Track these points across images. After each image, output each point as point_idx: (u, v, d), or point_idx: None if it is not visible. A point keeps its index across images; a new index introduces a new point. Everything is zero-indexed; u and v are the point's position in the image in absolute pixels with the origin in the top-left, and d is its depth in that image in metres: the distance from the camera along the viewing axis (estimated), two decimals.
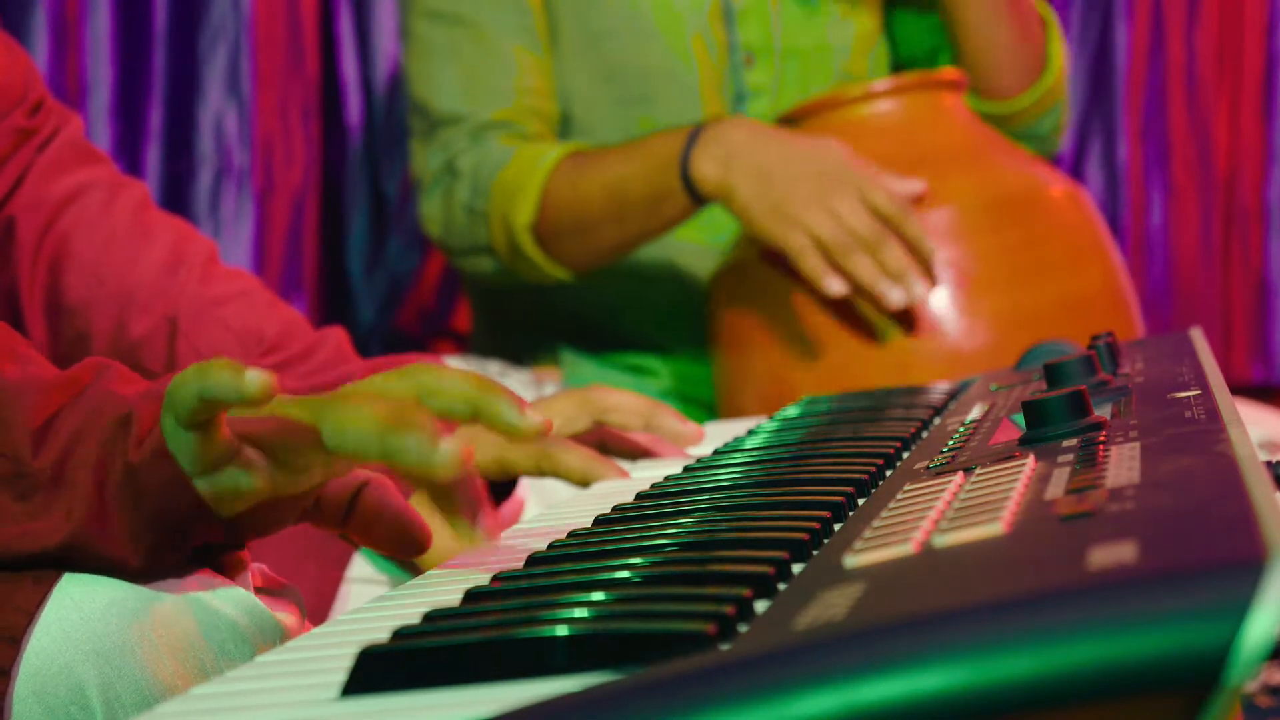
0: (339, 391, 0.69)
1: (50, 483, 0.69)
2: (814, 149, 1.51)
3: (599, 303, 1.80)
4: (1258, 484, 0.48)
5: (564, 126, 1.78)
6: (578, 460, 1.05)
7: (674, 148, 1.54)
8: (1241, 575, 0.39)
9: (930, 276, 1.49)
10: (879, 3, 1.87)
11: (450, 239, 1.73)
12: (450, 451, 0.65)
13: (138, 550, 0.69)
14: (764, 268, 1.57)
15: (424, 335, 2.47)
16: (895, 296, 1.47)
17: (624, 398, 1.13)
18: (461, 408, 0.69)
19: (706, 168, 1.52)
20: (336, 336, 1.23)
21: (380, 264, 2.43)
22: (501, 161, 1.67)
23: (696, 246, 1.78)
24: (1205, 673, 0.38)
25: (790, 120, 1.62)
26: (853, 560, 0.54)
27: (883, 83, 1.60)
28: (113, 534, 0.69)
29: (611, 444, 1.14)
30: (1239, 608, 0.38)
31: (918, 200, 1.52)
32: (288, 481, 0.70)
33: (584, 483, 1.04)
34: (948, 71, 1.64)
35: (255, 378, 0.64)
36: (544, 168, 1.64)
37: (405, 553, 0.80)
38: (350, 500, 0.78)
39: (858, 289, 1.49)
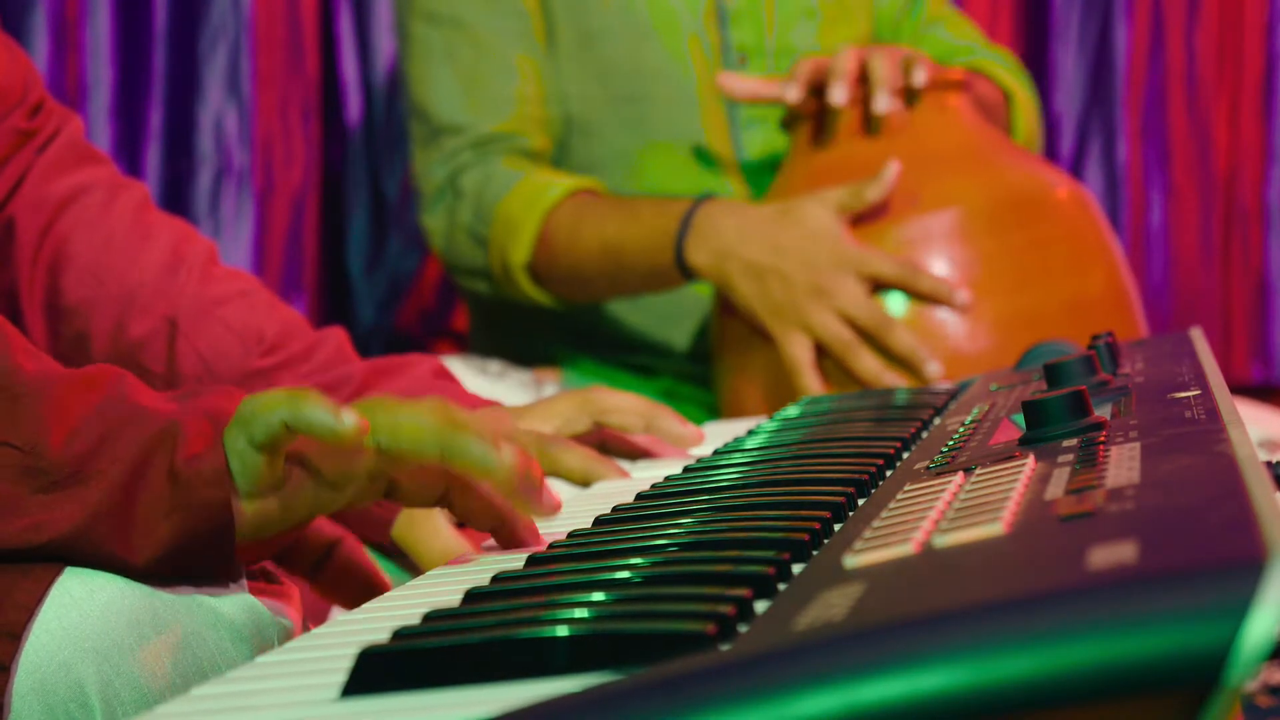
0: (378, 401, 0.70)
1: (70, 478, 0.69)
2: (804, 237, 1.50)
3: (598, 305, 1.80)
4: (1258, 484, 0.48)
5: (563, 127, 1.78)
6: (578, 460, 1.05)
7: (669, 230, 1.55)
8: (1241, 575, 0.39)
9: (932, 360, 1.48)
10: (872, 11, 1.87)
11: (451, 257, 1.75)
12: (509, 457, 0.69)
13: (148, 555, 0.69)
14: None
15: (424, 335, 2.47)
16: (892, 382, 1.46)
17: (624, 399, 1.13)
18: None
19: (700, 260, 1.53)
20: (336, 336, 1.23)
21: (380, 264, 2.43)
22: (504, 190, 1.68)
23: None
24: (1205, 673, 0.38)
25: (792, 120, 1.62)
26: (853, 560, 0.54)
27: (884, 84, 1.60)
28: (130, 535, 0.69)
29: (611, 445, 1.14)
30: (1239, 608, 0.38)
31: (908, 199, 1.51)
32: (330, 499, 0.71)
33: (584, 483, 1.04)
34: (953, 72, 1.64)
35: (351, 421, 0.66)
36: (542, 208, 1.65)
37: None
38: (324, 553, 0.78)
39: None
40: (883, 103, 1.52)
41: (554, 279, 1.67)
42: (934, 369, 1.46)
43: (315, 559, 0.78)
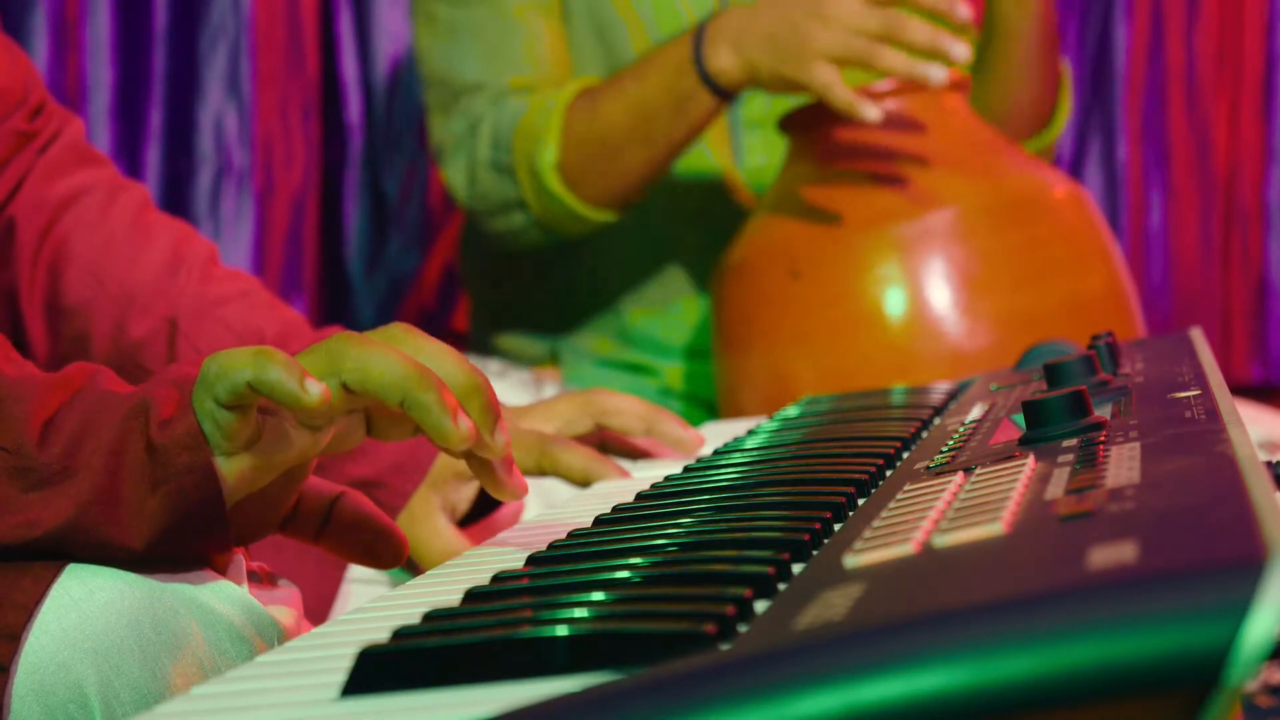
0: (349, 336, 0.70)
1: (58, 474, 0.69)
2: None
3: (598, 303, 1.80)
4: (1257, 484, 0.48)
5: None
6: (578, 459, 1.04)
7: (684, 53, 1.56)
8: (1241, 575, 0.39)
9: (958, 31, 1.48)
10: None
11: (478, 200, 1.72)
12: (465, 424, 0.68)
13: (144, 535, 0.69)
14: (764, 267, 1.57)
15: None
16: (936, 74, 1.47)
17: (625, 401, 1.13)
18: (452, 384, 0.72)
19: (723, 60, 1.54)
20: None
21: (380, 264, 2.43)
22: (519, 112, 1.67)
23: (696, 246, 1.78)
24: (1205, 673, 0.38)
25: (792, 120, 1.62)
26: (853, 560, 0.54)
27: (885, 83, 1.60)
28: (121, 517, 0.69)
29: (612, 447, 1.14)
30: (1239, 608, 0.38)
31: (908, 197, 1.51)
32: (312, 442, 0.71)
33: (585, 482, 1.04)
34: (951, 72, 1.64)
35: (315, 391, 0.66)
36: (560, 105, 1.64)
37: (381, 563, 0.80)
38: (326, 510, 0.78)
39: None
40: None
41: (586, 169, 1.64)
42: (960, 51, 1.46)
43: (319, 519, 0.78)
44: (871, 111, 1.47)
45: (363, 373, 0.69)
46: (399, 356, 0.69)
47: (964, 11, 1.49)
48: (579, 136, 1.63)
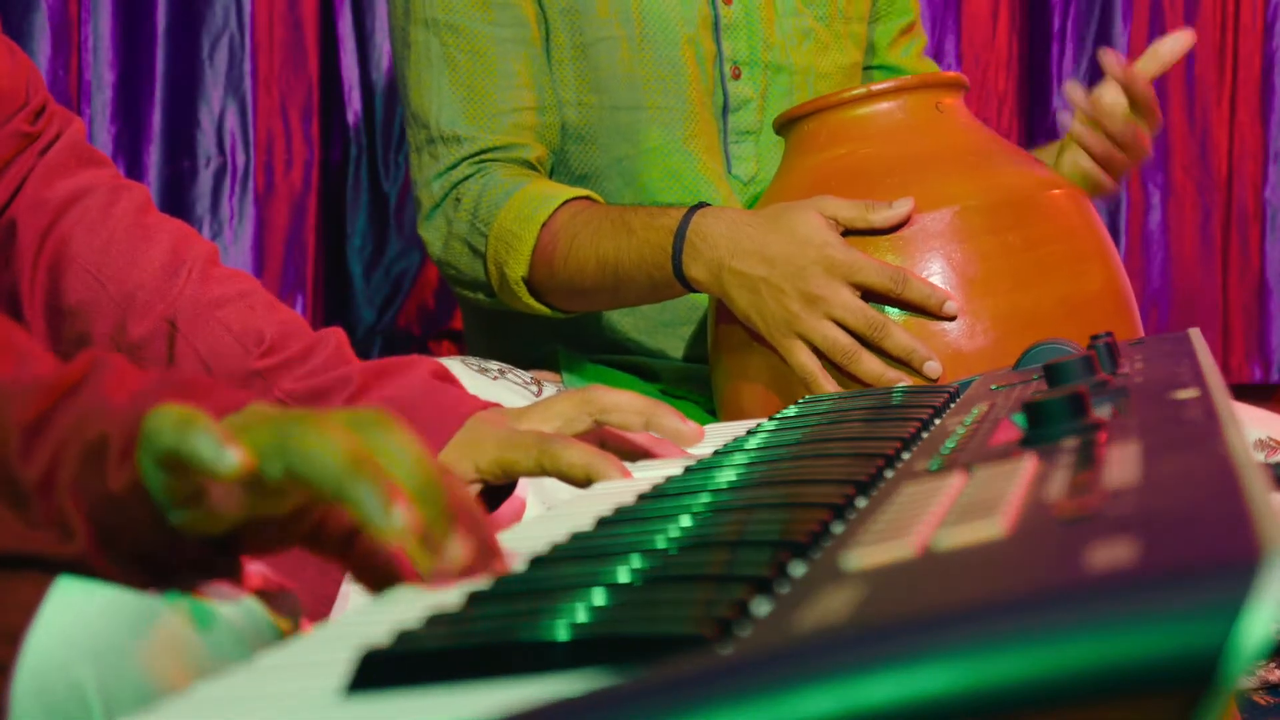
0: (303, 417, 0.69)
1: (39, 491, 0.69)
2: (789, 245, 1.49)
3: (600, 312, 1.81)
4: (1255, 485, 0.48)
5: (560, 135, 1.78)
6: (579, 456, 1.04)
7: (663, 246, 1.54)
8: (1237, 575, 0.39)
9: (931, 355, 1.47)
10: (864, 41, 1.89)
11: (449, 268, 1.75)
12: (400, 519, 0.65)
13: (130, 573, 0.69)
14: None
15: (424, 335, 2.47)
16: (902, 384, 1.45)
17: (624, 398, 1.13)
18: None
19: (698, 273, 1.53)
20: (335, 338, 1.23)
21: (380, 264, 2.43)
22: (500, 202, 1.67)
23: None
24: (1201, 672, 0.38)
25: (791, 121, 1.62)
26: (853, 561, 0.54)
27: (883, 84, 1.60)
28: (102, 560, 0.69)
29: (611, 444, 1.14)
30: (1234, 607, 0.38)
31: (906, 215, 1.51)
32: (263, 504, 0.70)
33: (586, 479, 1.04)
34: (947, 73, 1.64)
35: (230, 461, 0.65)
36: (538, 222, 1.64)
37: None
38: (349, 535, 0.78)
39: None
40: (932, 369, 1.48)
41: (553, 292, 1.66)
42: (933, 367, 1.46)
43: (341, 540, 0.78)
44: (828, 388, 1.47)
45: (303, 459, 0.66)
46: (341, 447, 0.66)
47: (952, 308, 1.47)
48: (551, 265, 1.64)
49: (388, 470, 0.68)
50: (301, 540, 0.76)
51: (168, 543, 0.69)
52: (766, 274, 1.49)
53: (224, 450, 0.65)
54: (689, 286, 1.55)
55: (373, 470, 0.66)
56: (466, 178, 1.71)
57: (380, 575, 0.77)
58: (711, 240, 1.52)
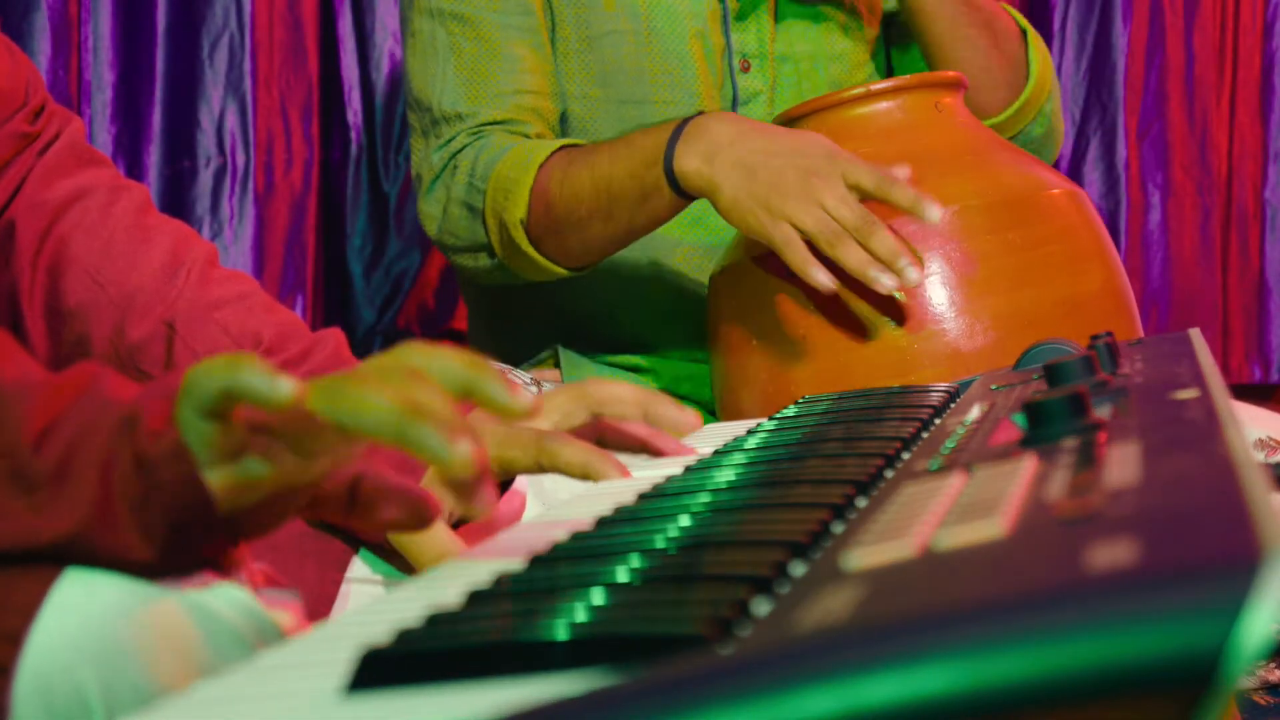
0: (346, 374, 0.70)
1: (54, 479, 0.69)
2: (798, 141, 1.49)
3: (596, 304, 1.80)
4: (1254, 485, 0.48)
5: (562, 126, 1.78)
6: (577, 454, 1.04)
7: (659, 143, 1.53)
8: (1237, 575, 0.39)
9: (921, 262, 1.47)
10: (878, 20, 1.88)
11: (447, 235, 1.72)
12: (465, 451, 0.67)
13: (147, 548, 0.69)
14: (762, 268, 1.57)
15: (424, 335, 2.47)
16: (886, 282, 1.44)
17: (620, 389, 1.13)
18: (452, 387, 0.70)
19: (690, 163, 1.51)
20: (334, 338, 1.23)
21: (380, 264, 2.43)
22: (497, 158, 1.67)
23: (694, 247, 1.78)
24: (1200, 672, 0.38)
25: (790, 120, 1.62)
26: (853, 561, 0.54)
27: (882, 84, 1.60)
28: (118, 529, 0.69)
29: (610, 437, 1.14)
30: (1234, 607, 0.38)
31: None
32: (300, 468, 0.71)
33: (584, 477, 1.04)
34: (946, 73, 1.64)
35: (286, 386, 0.66)
36: (534, 163, 1.63)
37: (416, 526, 0.80)
38: (349, 492, 0.78)
39: (847, 276, 1.47)
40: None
41: (550, 231, 1.64)
42: (913, 275, 1.44)
43: (344, 499, 0.78)
44: (821, 277, 1.45)
45: (356, 414, 0.68)
46: (389, 395, 0.68)
47: (935, 213, 1.45)
48: (547, 199, 1.62)
49: (439, 386, 0.69)
50: (306, 511, 0.76)
51: (192, 512, 0.69)
52: (766, 160, 1.48)
53: (277, 379, 0.66)
54: (677, 187, 1.52)
55: (425, 410, 0.67)
56: (464, 147, 1.70)
57: (390, 516, 0.77)
58: (711, 132, 1.51)
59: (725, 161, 1.49)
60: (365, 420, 0.67)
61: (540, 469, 1.07)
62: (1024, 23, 1.85)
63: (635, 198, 1.56)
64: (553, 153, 1.63)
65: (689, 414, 1.10)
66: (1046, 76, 1.84)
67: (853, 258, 1.45)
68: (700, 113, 1.56)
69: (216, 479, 0.69)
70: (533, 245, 1.65)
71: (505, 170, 1.65)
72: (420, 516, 0.79)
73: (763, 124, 1.53)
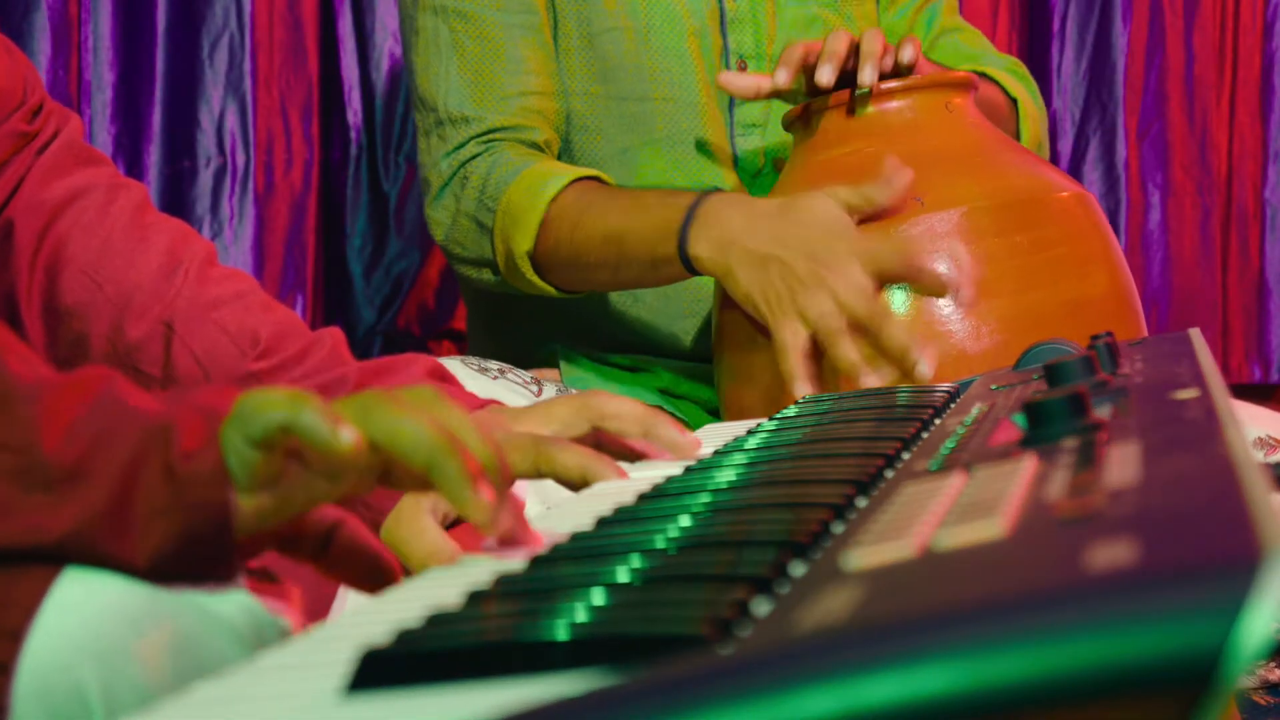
0: (381, 394, 0.71)
1: (65, 479, 0.69)
2: (807, 227, 1.47)
3: (596, 304, 1.80)
4: (1254, 485, 0.48)
5: (566, 124, 1.78)
6: (575, 459, 1.04)
7: (672, 221, 1.53)
8: (1237, 575, 0.39)
9: (934, 354, 1.42)
10: (874, 23, 1.88)
11: (454, 246, 1.73)
12: (484, 502, 0.70)
13: (146, 556, 0.69)
14: None
15: (424, 335, 2.47)
16: (869, 381, 1.40)
17: (623, 405, 1.12)
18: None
19: (703, 250, 1.51)
20: (333, 338, 1.23)
21: (380, 264, 2.43)
22: (509, 179, 1.67)
23: None
24: (1201, 672, 0.38)
25: (799, 116, 1.62)
26: (853, 561, 0.54)
27: (893, 82, 1.60)
28: (126, 535, 0.69)
29: (608, 450, 1.13)
30: (1234, 607, 0.38)
31: (912, 198, 1.50)
32: (326, 490, 0.72)
33: (582, 482, 1.04)
34: (957, 73, 1.64)
35: (348, 438, 0.67)
36: (546, 197, 1.63)
37: (371, 590, 0.81)
38: (325, 537, 0.79)
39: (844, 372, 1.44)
40: (868, 74, 1.52)
41: (556, 267, 1.65)
42: (924, 370, 1.40)
43: (318, 543, 0.79)
44: (800, 390, 1.42)
45: (392, 434, 0.69)
46: (428, 421, 0.70)
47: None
48: (556, 239, 1.63)
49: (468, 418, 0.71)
50: (280, 546, 0.77)
51: (207, 532, 0.69)
52: (779, 252, 1.46)
53: (340, 428, 0.66)
54: (689, 265, 1.53)
55: (458, 447, 0.69)
56: (474, 156, 1.71)
57: (355, 572, 0.78)
58: (723, 219, 1.51)
59: (738, 253, 1.49)
60: (401, 443, 0.69)
61: (537, 473, 1.07)
62: (1014, 92, 1.84)
63: (646, 263, 1.57)
64: (564, 188, 1.63)
65: (690, 437, 1.10)
66: (1039, 139, 1.86)
67: (845, 357, 1.41)
68: (710, 191, 1.55)
69: (248, 504, 0.70)
70: (537, 274, 1.66)
71: (516, 197, 1.65)
72: (379, 584, 0.81)
73: (772, 205, 1.50)
